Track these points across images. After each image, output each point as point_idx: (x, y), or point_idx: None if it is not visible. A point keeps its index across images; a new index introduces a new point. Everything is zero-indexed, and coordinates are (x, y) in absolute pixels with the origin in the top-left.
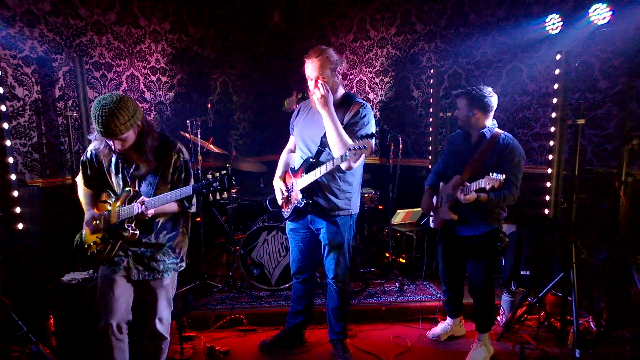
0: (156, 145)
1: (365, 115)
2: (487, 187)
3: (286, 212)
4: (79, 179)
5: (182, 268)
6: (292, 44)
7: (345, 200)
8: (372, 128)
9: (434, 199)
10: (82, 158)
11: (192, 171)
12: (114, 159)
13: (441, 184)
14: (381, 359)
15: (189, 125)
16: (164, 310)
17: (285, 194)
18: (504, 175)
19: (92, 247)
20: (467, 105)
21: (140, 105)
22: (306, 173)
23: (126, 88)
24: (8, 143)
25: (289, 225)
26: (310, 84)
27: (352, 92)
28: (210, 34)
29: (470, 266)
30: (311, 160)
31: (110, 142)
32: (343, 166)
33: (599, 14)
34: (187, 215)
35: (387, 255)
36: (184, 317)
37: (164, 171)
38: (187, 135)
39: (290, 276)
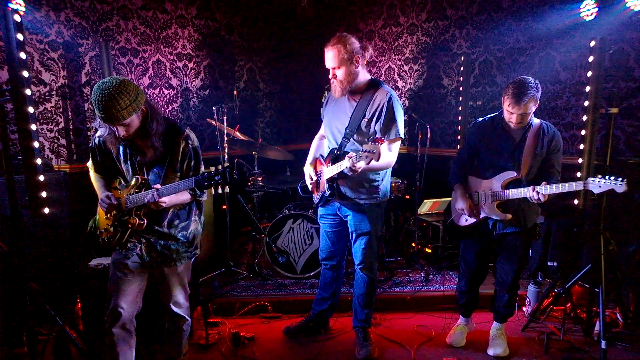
0: (162, 130)
1: (392, 111)
2: (597, 191)
3: (316, 197)
4: (90, 165)
5: (197, 255)
6: (320, 31)
7: (372, 188)
8: (400, 128)
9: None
10: (90, 144)
11: (201, 158)
12: (122, 146)
13: (472, 178)
14: (405, 347)
15: (215, 112)
16: (179, 295)
17: (314, 179)
18: (618, 180)
19: (104, 234)
20: (535, 103)
21: (166, 92)
22: (332, 163)
23: (152, 74)
24: (33, 127)
25: (319, 211)
26: (331, 74)
27: (381, 79)
28: (237, 21)
29: (503, 260)
30: (336, 152)
31: (113, 129)
32: (359, 164)
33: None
34: (199, 203)
35: (413, 245)
36: (210, 303)
37: (172, 159)
38: (214, 122)
39: (315, 264)
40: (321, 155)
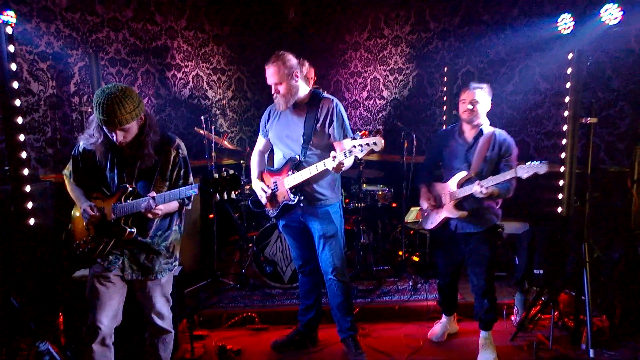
0: (157, 140)
1: (340, 115)
2: (525, 175)
3: (272, 210)
4: (68, 173)
5: (176, 267)
6: (307, 42)
7: (332, 188)
8: (349, 130)
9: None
10: (73, 152)
11: (190, 167)
12: (110, 155)
13: (436, 184)
14: (394, 358)
15: (203, 121)
16: (162, 306)
17: (269, 192)
18: (541, 162)
19: (82, 246)
20: (487, 97)
21: (154, 101)
22: (294, 171)
23: (141, 84)
24: (22, 138)
25: (280, 222)
26: (274, 89)
27: (367, 89)
28: (226, 32)
29: (473, 263)
30: (298, 158)
31: (112, 134)
32: (347, 162)
33: (610, 14)
34: (181, 213)
35: (401, 253)
36: (195, 315)
37: (163, 167)
38: (202, 131)
39: None
40: (269, 168)
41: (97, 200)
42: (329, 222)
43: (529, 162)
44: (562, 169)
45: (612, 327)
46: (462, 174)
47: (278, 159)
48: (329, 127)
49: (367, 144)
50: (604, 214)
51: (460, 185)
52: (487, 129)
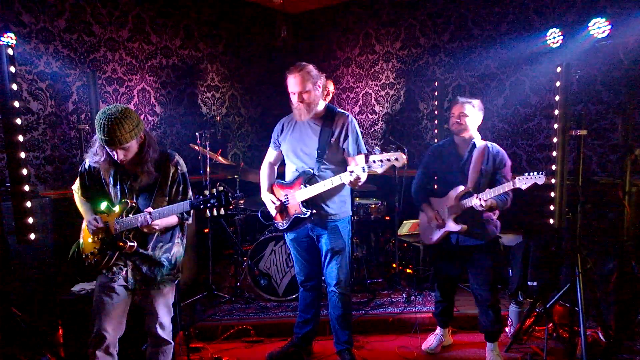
0: (156, 157)
1: (355, 131)
2: (524, 186)
3: (282, 223)
4: (76, 189)
5: (179, 279)
6: (299, 59)
7: (343, 204)
8: (363, 145)
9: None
10: (80, 168)
11: (189, 183)
12: (113, 171)
13: (433, 199)
14: None
15: (198, 137)
16: (165, 316)
17: (278, 203)
18: (539, 173)
19: (90, 258)
20: (477, 112)
21: (150, 118)
22: (307, 185)
23: (137, 102)
24: (22, 155)
25: (289, 235)
26: (293, 98)
27: (359, 104)
28: (219, 50)
29: (475, 276)
30: (312, 172)
31: (113, 153)
32: (363, 177)
33: (599, 28)
34: (183, 226)
35: (394, 266)
36: (192, 327)
37: (162, 184)
38: (196, 147)
39: (297, 286)
40: (280, 181)
41: (102, 214)
42: (337, 237)
43: (526, 174)
44: (553, 180)
45: (607, 338)
46: (460, 188)
47: (290, 172)
48: (344, 141)
49: (388, 159)
50: (597, 225)
51: (459, 199)
52: (480, 142)
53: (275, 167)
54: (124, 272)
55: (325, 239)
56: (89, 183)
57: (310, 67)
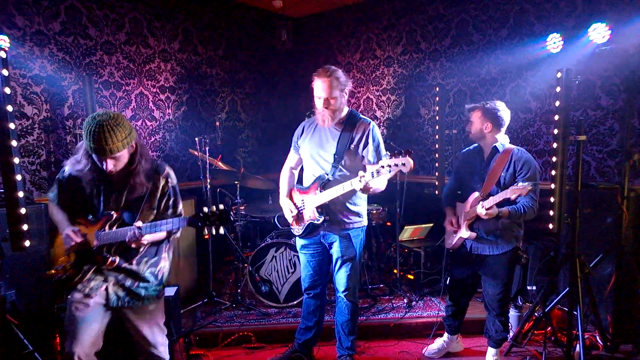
0: (148, 167)
1: (376, 139)
2: (513, 197)
3: (298, 229)
4: (52, 197)
5: (163, 294)
6: (300, 63)
7: (358, 212)
8: (383, 152)
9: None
10: (58, 176)
11: (180, 197)
12: (96, 181)
13: (458, 204)
14: None
15: (197, 143)
16: (157, 335)
17: (295, 211)
18: (528, 184)
19: (60, 272)
20: (480, 118)
21: (149, 123)
22: (322, 190)
23: (135, 106)
24: (16, 161)
25: (300, 241)
26: (318, 102)
27: (359, 110)
28: (219, 54)
29: (488, 285)
30: (327, 177)
31: (102, 162)
32: (374, 184)
33: (599, 33)
34: (170, 240)
35: (395, 271)
36: (192, 335)
37: (151, 196)
38: (196, 152)
39: (298, 293)
40: (298, 185)
41: (80, 226)
42: (349, 246)
43: (515, 184)
44: (552, 186)
45: (604, 341)
46: (475, 194)
47: (307, 176)
48: (364, 148)
49: (396, 165)
50: (595, 230)
51: (472, 205)
52: (504, 147)
53: (296, 172)
54: (104, 287)
55: (337, 246)
56: (68, 192)
57: (340, 72)
